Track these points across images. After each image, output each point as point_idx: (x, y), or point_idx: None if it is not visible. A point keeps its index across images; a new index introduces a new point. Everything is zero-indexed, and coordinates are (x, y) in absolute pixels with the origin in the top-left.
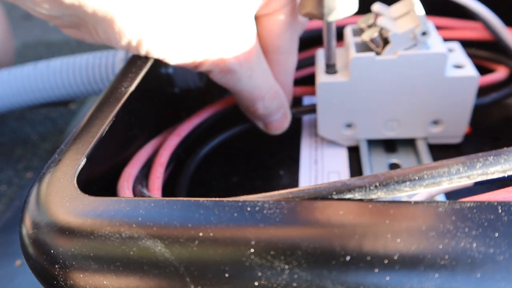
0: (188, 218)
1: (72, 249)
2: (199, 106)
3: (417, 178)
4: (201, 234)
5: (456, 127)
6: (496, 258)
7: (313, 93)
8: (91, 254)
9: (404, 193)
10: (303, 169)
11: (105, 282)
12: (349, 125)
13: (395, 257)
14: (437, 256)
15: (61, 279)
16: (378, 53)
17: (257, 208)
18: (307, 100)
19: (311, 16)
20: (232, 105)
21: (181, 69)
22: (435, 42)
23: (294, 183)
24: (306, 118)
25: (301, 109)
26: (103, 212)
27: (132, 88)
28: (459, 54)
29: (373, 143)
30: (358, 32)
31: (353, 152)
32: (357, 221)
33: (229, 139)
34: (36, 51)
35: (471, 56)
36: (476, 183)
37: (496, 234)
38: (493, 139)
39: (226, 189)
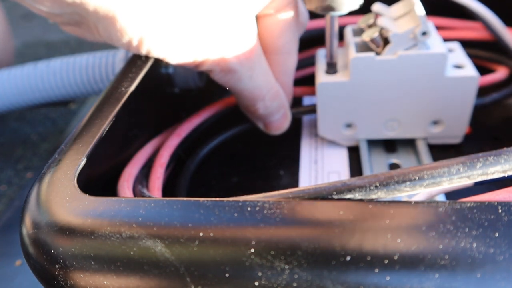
0: (188, 218)
1: (73, 249)
2: (199, 106)
3: (417, 178)
4: (201, 234)
5: (456, 127)
6: (496, 258)
7: (313, 93)
8: (92, 254)
9: (404, 193)
10: (303, 169)
11: (105, 282)
12: (349, 125)
13: (395, 257)
14: (437, 256)
15: (62, 279)
16: (378, 53)
17: (257, 208)
18: (307, 100)
19: (318, 10)
20: (232, 105)
21: (181, 69)
22: (435, 42)
23: (294, 183)
24: (306, 118)
25: (301, 109)
26: (103, 212)
27: (132, 88)
28: (459, 54)
29: (373, 143)
30: (358, 32)
31: (353, 152)
32: (357, 221)
33: (229, 139)
34: (36, 51)
35: (471, 56)
36: (476, 183)
37: (496, 234)
38: (493, 139)
39: (226, 189)
